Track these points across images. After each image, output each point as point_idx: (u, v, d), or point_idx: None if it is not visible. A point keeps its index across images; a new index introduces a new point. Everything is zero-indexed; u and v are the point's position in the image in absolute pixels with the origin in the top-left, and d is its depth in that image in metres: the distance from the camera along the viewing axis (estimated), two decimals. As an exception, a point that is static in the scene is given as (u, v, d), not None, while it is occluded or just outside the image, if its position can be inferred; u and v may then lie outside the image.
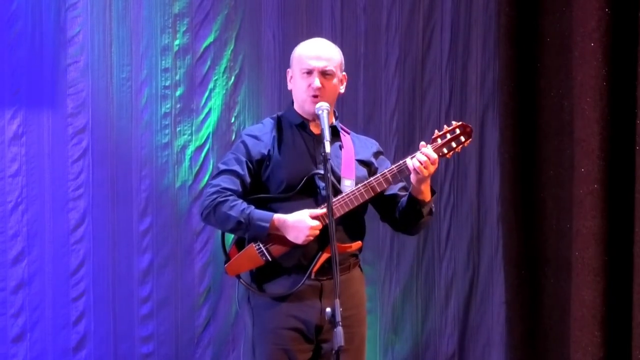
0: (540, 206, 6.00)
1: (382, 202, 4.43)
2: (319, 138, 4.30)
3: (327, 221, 4.21)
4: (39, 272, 5.88)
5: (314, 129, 4.39)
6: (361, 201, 4.27)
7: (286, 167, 4.32)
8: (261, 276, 4.34)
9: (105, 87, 5.94)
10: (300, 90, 4.35)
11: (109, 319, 5.97)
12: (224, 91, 6.09)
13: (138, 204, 5.98)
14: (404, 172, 4.27)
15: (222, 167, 4.38)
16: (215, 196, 4.30)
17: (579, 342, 5.61)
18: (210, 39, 6.06)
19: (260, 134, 4.41)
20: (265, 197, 4.33)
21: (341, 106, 5.85)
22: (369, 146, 4.51)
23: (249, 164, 4.35)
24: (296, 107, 4.42)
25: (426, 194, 4.31)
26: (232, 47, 6.09)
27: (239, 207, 4.26)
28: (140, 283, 5.99)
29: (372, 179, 4.29)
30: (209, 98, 6.07)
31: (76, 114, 5.92)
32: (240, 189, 4.33)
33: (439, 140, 4.32)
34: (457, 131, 4.34)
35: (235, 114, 6.11)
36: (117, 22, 5.95)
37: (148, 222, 6.00)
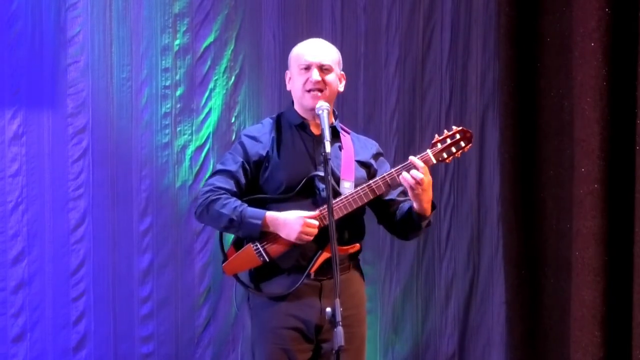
0: (540, 206, 6.00)
1: (380, 206, 4.43)
2: (319, 139, 4.30)
3: (324, 223, 4.21)
4: (39, 272, 5.88)
5: (313, 129, 4.39)
6: (360, 204, 4.27)
7: (285, 169, 4.32)
8: (260, 276, 4.34)
9: (106, 87, 5.94)
10: (299, 86, 4.35)
11: (109, 319, 5.97)
12: (224, 91, 6.09)
13: (138, 204, 5.99)
14: (395, 180, 4.27)
15: (219, 167, 4.39)
16: (208, 194, 4.31)
17: (579, 342, 5.61)
18: (210, 39, 6.06)
19: (259, 135, 4.41)
20: (264, 198, 4.33)
21: (341, 106, 5.85)
22: (368, 147, 4.50)
23: (246, 165, 4.35)
24: (296, 106, 4.43)
25: (426, 209, 4.30)
26: (232, 47, 6.09)
27: (231, 205, 4.26)
28: (141, 283, 5.99)
29: (371, 182, 4.29)
30: (209, 98, 6.07)
31: (76, 114, 5.92)
32: (235, 189, 4.33)
33: (439, 145, 4.31)
34: (457, 136, 4.33)
35: (235, 114, 6.11)
36: (117, 22, 5.95)
37: (148, 222, 6.00)
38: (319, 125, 4.29)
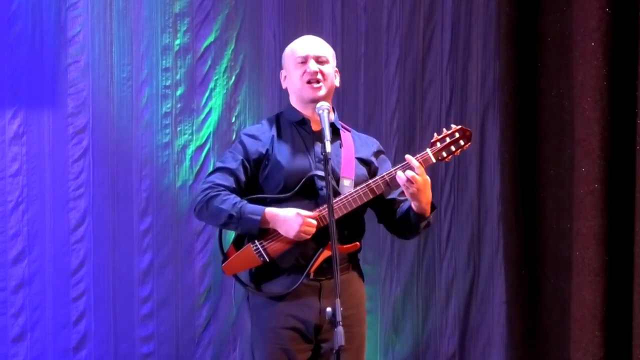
0: (540, 206, 6.00)
1: (380, 205, 4.43)
2: (319, 135, 4.29)
3: (324, 223, 4.21)
4: (40, 271, 5.88)
5: (313, 126, 4.38)
6: (359, 204, 4.27)
7: (285, 167, 4.32)
8: (259, 276, 4.34)
9: (106, 87, 5.94)
10: (296, 79, 4.36)
11: (109, 319, 5.97)
12: (225, 91, 6.09)
13: (138, 203, 5.99)
14: (395, 180, 4.27)
15: (219, 164, 4.39)
16: (207, 191, 4.31)
17: (579, 342, 5.60)
18: (210, 39, 6.06)
19: (258, 134, 4.41)
20: (264, 197, 4.33)
21: (341, 106, 5.85)
22: (369, 145, 4.50)
23: (246, 163, 4.35)
24: (294, 103, 4.42)
25: (425, 209, 4.30)
26: (232, 47, 6.09)
27: (230, 201, 4.26)
28: (141, 283, 5.99)
29: (370, 181, 4.28)
30: (209, 98, 6.07)
31: (77, 113, 5.92)
32: (234, 186, 4.33)
33: (438, 144, 4.31)
34: (457, 135, 4.33)
35: (235, 114, 6.11)
36: (117, 21, 5.95)
37: (148, 221, 6.00)
38: (318, 122, 4.28)
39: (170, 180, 6.03)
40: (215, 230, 4.48)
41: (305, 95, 4.36)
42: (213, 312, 6.07)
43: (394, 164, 4.40)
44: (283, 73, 4.44)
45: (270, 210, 4.24)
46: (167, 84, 6.02)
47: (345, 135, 4.44)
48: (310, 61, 4.34)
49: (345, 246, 4.30)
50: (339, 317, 3.89)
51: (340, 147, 4.39)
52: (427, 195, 4.26)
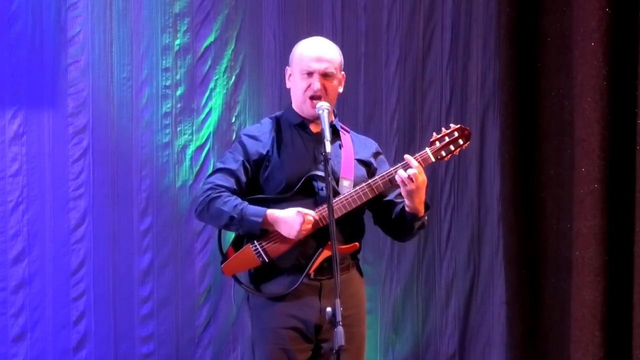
0: (540, 206, 6.00)
1: (377, 206, 4.43)
2: (318, 137, 4.29)
3: (324, 223, 4.21)
4: (40, 271, 5.88)
5: (313, 127, 4.39)
6: (359, 203, 4.27)
7: (285, 168, 4.32)
8: (259, 276, 4.34)
9: (106, 87, 5.94)
10: (300, 91, 4.35)
11: (109, 319, 5.97)
12: (225, 91, 6.09)
13: (138, 203, 5.99)
14: (394, 179, 4.27)
15: (219, 165, 4.39)
16: (209, 192, 4.31)
17: (579, 342, 5.60)
18: (210, 39, 6.06)
19: (259, 134, 4.41)
20: (264, 197, 4.33)
21: (342, 106, 5.85)
22: (368, 146, 4.51)
23: (246, 164, 4.35)
24: (295, 106, 4.42)
25: (419, 209, 4.30)
26: (232, 47, 6.09)
27: (232, 203, 4.27)
28: (141, 283, 5.99)
29: (370, 181, 4.29)
30: (209, 98, 6.07)
31: (77, 113, 5.92)
32: (235, 187, 4.33)
33: (437, 144, 4.31)
34: (456, 134, 4.34)
35: (235, 114, 6.11)
36: (117, 21, 5.95)
37: (148, 221, 6.00)
38: (318, 124, 4.28)
39: (170, 180, 6.03)
40: (215, 231, 4.49)
41: (305, 110, 4.36)
42: (213, 312, 6.07)
43: (393, 164, 4.40)
44: (288, 70, 4.43)
45: (271, 212, 4.24)
46: (167, 84, 6.02)
47: (345, 137, 4.44)
48: (315, 78, 4.33)
49: (344, 246, 4.30)
50: (338, 317, 3.89)
51: (340, 148, 4.39)
52: (421, 195, 4.27)
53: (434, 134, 4.34)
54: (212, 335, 6.08)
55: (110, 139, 5.95)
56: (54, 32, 5.87)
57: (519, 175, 6.02)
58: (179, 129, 6.03)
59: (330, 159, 4.11)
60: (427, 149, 4.30)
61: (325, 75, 4.33)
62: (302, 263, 4.28)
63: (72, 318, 5.93)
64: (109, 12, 5.94)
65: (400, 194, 4.35)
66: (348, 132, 4.49)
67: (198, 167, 6.04)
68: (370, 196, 4.28)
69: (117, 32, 5.95)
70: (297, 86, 4.36)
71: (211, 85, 6.07)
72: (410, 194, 4.23)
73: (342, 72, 4.43)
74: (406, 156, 4.25)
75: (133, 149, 5.97)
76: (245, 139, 4.40)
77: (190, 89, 6.04)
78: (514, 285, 6.05)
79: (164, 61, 6.01)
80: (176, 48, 6.02)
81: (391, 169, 4.29)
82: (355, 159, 4.40)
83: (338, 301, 3.91)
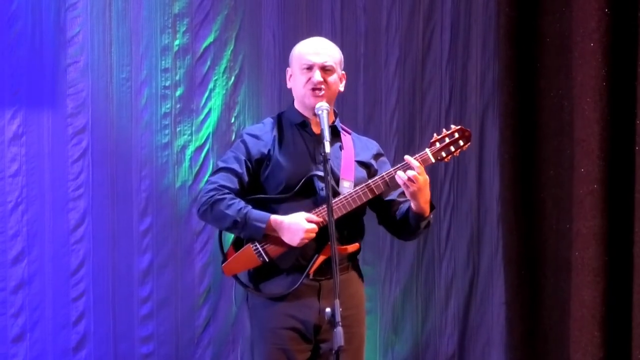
0: (540, 206, 6.00)
1: (380, 206, 4.44)
2: (320, 138, 4.29)
3: (324, 223, 4.21)
4: (39, 272, 5.88)
5: (314, 128, 4.38)
6: (359, 203, 4.27)
7: (286, 168, 4.32)
8: (259, 276, 4.34)
9: (105, 87, 5.94)
10: (300, 85, 4.35)
11: (109, 319, 5.97)
12: (224, 91, 6.09)
13: (138, 204, 5.99)
14: (394, 180, 4.27)
15: (221, 164, 4.38)
16: (212, 193, 4.31)
17: (579, 342, 5.61)
18: (210, 39, 6.06)
19: (260, 134, 4.41)
20: (264, 197, 4.33)
21: (341, 106, 5.84)
22: (369, 147, 4.51)
23: (248, 163, 4.36)
24: (296, 105, 4.43)
25: (424, 209, 4.30)
26: (232, 47, 6.09)
27: (236, 206, 4.27)
28: (140, 283, 5.99)
29: (370, 181, 4.29)
30: (208, 98, 6.07)
31: (76, 114, 5.92)
32: (238, 187, 4.33)
33: (437, 144, 4.32)
34: (456, 135, 4.34)
35: (235, 114, 6.11)
36: (117, 22, 5.95)
37: (148, 222, 6.00)
38: (319, 124, 4.28)
39: (170, 180, 6.03)
40: (215, 231, 4.49)
41: (307, 102, 4.36)
42: (213, 313, 6.08)
43: (393, 164, 4.40)
44: (289, 71, 4.44)
45: (275, 218, 4.24)
46: (167, 84, 6.02)
47: (346, 138, 4.44)
48: (315, 70, 4.33)
49: (344, 247, 4.30)
50: (338, 318, 3.89)
51: (341, 150, 4.39)
52: (426, 195, 4.27)
53: (435, 135, 4.34)
54: (212, 336, 6.08)
55: (109, 139, 5.95)
56: (53, 33, 5.87)
57: (518, 176, 6.02)
58: (178, 129, 6.03)
59: (329, 159, 4.11)
60: (427, 150, 4.30)
61: (324, 69, 4.34)
62: (302, 263, 4.28)
63: (72, 318, 5.93)
64: (109, 13, 5.94)
65: (402, 193, 4.35)
66: (349, 134, 4.49)
67: (197, 168, 6.04)
68: (370, 196, 4.28)
69: (117, 32, 5.95)
70: (298, 82, 4.37)
71: (210, 85, 6.07)
72: (414, 194, 4.24)
73: (343, 71, 4.43)
74: (406, 157, 4.25)
75: (132, 150, 5.97)
76: (247, 138, 4.40)
77: (189, 89, 6.04)
78: (514, 286, 6.05)
79: (163, 62, 6.01)
80: (175, 48, 6.02)
81: (391, 169, 4.29)
82: (356, 161, 4.40)
83: (337, 301, 3.91)
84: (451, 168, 6.31)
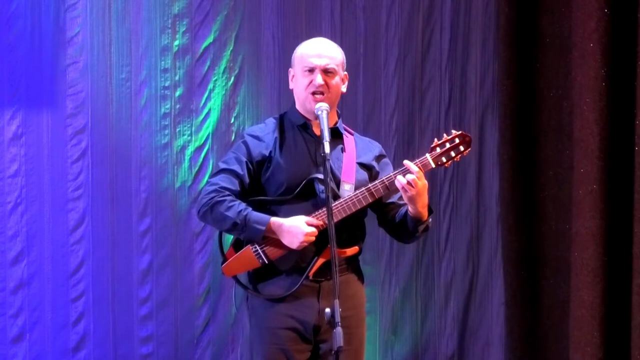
0: (539, 207, 6.00)
1: (380, 209, 4.44)
2: (321, 139, 4.29)
3: (324, 227, 4.21)
4: (39, 272, 5.88)
5: (316, 129, 4.38)
6: (359, 207, 4.27)
7: (286, 169, 4.32)
8: (258, 277, 4.34)
9: (105, 88, 5.94)
10: (302, 88, 4.35)
11: (109, 320, 5.97)
12: (224, 92, 6.09)
13: (137, 204, 5.98)
14: (394, 184, 4.27)
15: (222, 165, 4.38)
16: (213, 195, 4.31)
17: (578, 343, 5.61)
18: (209, 40, 6.06)
19: (262, 135, 4.41)
20: (264, 199, 4.33)
21: (341, 106, 5.82)
22: (371, 149, 4.50)
23: (249, 165, 4.36)
24: (298, 106, 4.42)
25: (422, 213, 4.30)
26: (231, 48, 6.09)
27: (236, 208, 4.27)
28: (140, 284, 5.99)
29: (370, 185, 4.28)
30: (208, 98, 6.07)
31: (75, 114, 5.92)
32: (239, 189, 4.33)
33: (438, 149, 4.32)
34: (456, 140, 4.34)
35: (234, 115, 6.10)
36: (116, 22, 5.95)
37: (147, 222, 6.00)
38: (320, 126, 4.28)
39: (169, 181, 6.02)
40: (215, 232, 4.49)
41: (308, 106, 4.35)
42: (212, 313, 6.07)
43: (392, 164, 4.40)
44: (291, 72, 4.43)
45: (275, 220, 4.25)
46: (166, 84, 6.02)
47: (348, 140, 4.43)
48: (317, 73, 4.32)
49: (344, 250, 4.30)
50: (337, 318, 3.89)
51: (342, 152, 4.39)
52: (424, 199, 4.27)
53: (435, 139, 4.34)
54: (212, 336, 6.08)
55: (109, 139, 5.95)
56: (53, 33, 5.87)
57: (517, 176, 6.02)
58: (177, 129, 6.03)
59: (329, 159, 4.11)
60: (427, 155, 4.30)
61: (326, 72, 4.33)
62: (302, 265, 4.28)
63: (71, 319, 5.93)
64: (108, 13, 5.93)
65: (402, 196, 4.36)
66: (352, 135, 4.48)
67: (197, 168, 6.04)
68: (370, 200, 4.28)
69: (116, 32, 5.95)
70: (300, 84, 4.36)
71: (210, 86, 6.06)
72: (412, 199, 4.24)
73: (345, 72, 4.43)
74: (405, 162, 4.25)
75: (132, 150, 5.97)
76: (248, 139, 4.40)
77: (189, 89, 6.04)
78: (513, 286, 6.06)
79: (162, 62, 6.01)
80: (175, 49, 6.02)
81: (391, 173, 4.28)
82: (357, 163, 4.39)
83: (337, 302, 3.92)
84: (451, 168, 6.31)
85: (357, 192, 4.27)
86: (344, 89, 4.43)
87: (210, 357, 6.08)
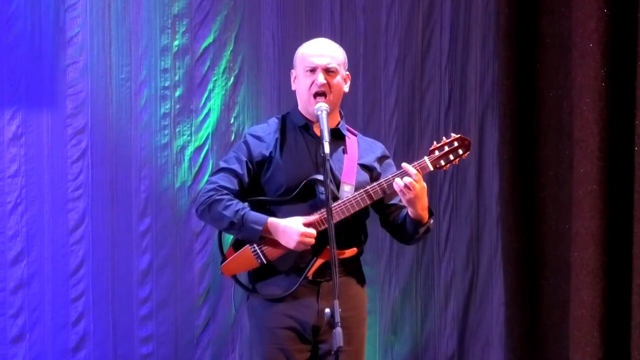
0: (539, 207, 6.00)
1: (382, 210, 4.44)
2: (321, 140, 4.29)
3: (322, 227, 4.21)
4: (39, 272, 5.88)
5: (317, 130, 4.36)
6: (357, 209, 4.27)
7: (287, 170, 4.32)
8: (258, 277, 4.35)
9: (105, 88, 5.94)
10: (304, 88, 4.35)
11: (109, 320, 5.97)
12: (223, 92, 6.09)
13: (137, 204, 5.99)
14: (392, 187, 4.27)
15: (222, 164, 4.39)
16: (211, 193, 4.31)
17: (578, 343, 5.61)
18: (209, 40, 6.06)
19: (263, 135, 4.41)
20: (264, 200, 4.33)
21: (341, 106, 5.85)
22: (374, 150, 4.49)
23: (249, 165, 4.36)
24: (300, 107, 4.42)
25: (422, 216, 4.30)
26: (231, 48, 6.09)
27: (233, 208, 4.27)
28: (140, 284, 5.99)
29: (368, 187, 4.28)
30: (208, 99, 6.07)
31: (75, 114, 5.92)
32: (238, 188, 4.33)
33: (437, 152, 4.31)
34: (455, 143, 4.33)
35: (234, 115, 6.10)
36: (116, 22, 5.95)
37: (147, 222, 6.00)
38: (322, 127, 4.28)
39: (169, 181, 6.03)
40: (215, 231, 4.49)
41: (310, 109, 4.35)
42: (212, 313, 6.08)
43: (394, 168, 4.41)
44: (293, 73, 4.43)
45: (272, 221, 4.25)
46: (166, 84, 6.02)
47: (350, 141, 4.43)
48: (318, 73, 4.32)
49: (342, 251, 4.30)
50: (337, 318, 3.89)
51: (344, 153, 4.38)
52: (423, 202, 4.27)
53: (434, 142, 4.33)
54: (211, 336, 6.08)
55: (109, 139, 5.95)
56: (52, 33, 5.87)
57: (517, 176, 6.02)
58: (177, 130, 6.03)
59: (329, 160, 4.11)
60: (426, 158, 4.30)
61: (328, 71, 4.33)
62: (301, 266, 4.28)
63: (71, 319, 5.93)
64: (108, 13, 5.94)
65: (403, 198, 4.36)
66: (355, 135, 4.48)
67: (197, 168, 6.04)
68: (369, 202, 4.28)
69: (116, 33, 5.95)
70: (302, 85, 4.36)
71: (210, 86, 6.07)
72: (410, 202, 4.23)
73: (347, 72, 4.43)
74: (403, 164, 4.25)
75: (132, 150, 5.97)
76: (249, 139, 4.40)
77: (188, 90, 6.04)
78: (513, 286, 6.05)
79: (162, 62, 6.01)
80: (175, 49, 6.02)
81: (389, 176, 4.28)
82: (358, 164, 4.39)
83: (336, 302, 3.92)
84: (451, 169, 6.27)
85: (356, 194, 4.27)
86: (346, 88, 4.43)
87: (210, 357, 6.08)
